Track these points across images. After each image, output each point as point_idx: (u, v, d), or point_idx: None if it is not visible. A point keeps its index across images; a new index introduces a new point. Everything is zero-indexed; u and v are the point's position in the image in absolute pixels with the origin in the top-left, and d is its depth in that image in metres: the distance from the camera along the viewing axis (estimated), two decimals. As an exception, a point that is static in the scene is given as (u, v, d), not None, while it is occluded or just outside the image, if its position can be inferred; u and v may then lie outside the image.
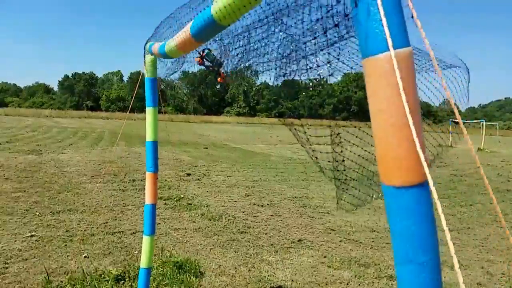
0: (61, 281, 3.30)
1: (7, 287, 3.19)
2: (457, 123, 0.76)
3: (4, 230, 4.58)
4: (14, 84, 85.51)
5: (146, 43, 2.36)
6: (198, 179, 8.78)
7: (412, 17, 0.67)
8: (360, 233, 5.33)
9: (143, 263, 2.74)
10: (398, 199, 0.70)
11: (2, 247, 4.07)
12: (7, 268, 3.57)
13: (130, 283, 3.28)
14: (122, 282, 3.31)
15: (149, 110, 2.50)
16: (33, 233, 4.54)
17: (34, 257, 3.87)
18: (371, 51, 0.69)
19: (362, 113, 74.76)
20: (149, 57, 2.37)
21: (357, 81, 76.33)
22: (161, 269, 3.56)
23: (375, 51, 0.68)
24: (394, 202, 0.70)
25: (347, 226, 5.59)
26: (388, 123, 0.68)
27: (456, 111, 0.71)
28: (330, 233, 5.22)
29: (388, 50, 0.66)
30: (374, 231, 5.48)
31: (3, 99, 72.82)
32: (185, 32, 1.43)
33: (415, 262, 0.67)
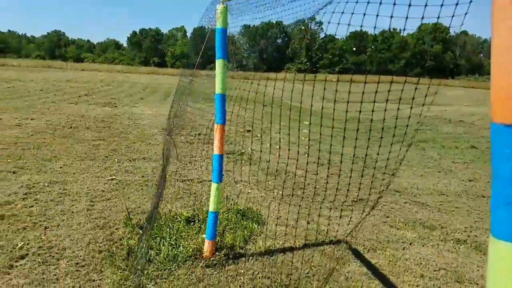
0: (140, 219, 3.68)
1: (94, 222, 3.63)
2: None
3: (88, 173, 5.13)
4: (88, 40, 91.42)
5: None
6: (258, 136, 8.93)
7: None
8: (427, 196, 5.13)
9: (212, 207, 2.93)
10: (507, 137, 0.66)
11: (88, 187, 4.59)
12: (93, 205, 4.05)
13: (199, 225, 3.55)
14: (192, 223, 3.60)
15: (218, 62, 2.54)
16: (113, 177, 5.04)
17: (116, 197, 4.32)
18: None
19: (438, 69, 68.54)
20: (220, 6, 2.36)
21: (434, 32, 69.23)
22: (226, 215, 3.79)
23: None
24: (502, 141, 0.67)
25: (414, 188, 5.40)
26: (508, 57, 0.65)
27: None
28: (394, 194, 5.09)
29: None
30: (443, 194, 5.24)
31: (79, 55, 78.53)
32: None
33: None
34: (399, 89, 2.16)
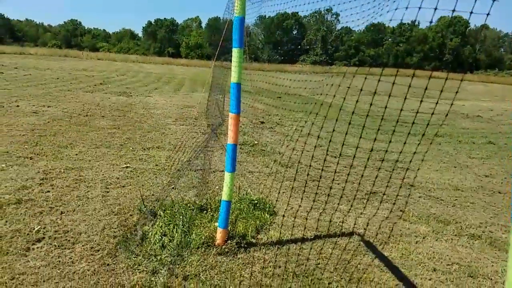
0: (154, 206, 3.72)
1: (109, 208, 3.70)
2: None
3: (103, 161, 5.21)
4: (104, 30, 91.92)
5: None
6: (272, 128, 8.91)
7: None
8: (442, 191, 5.06)
9: (225, 196, 2.95)
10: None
11: (103, 174, 4.66)
12: (108, 192, 4.11)
13: (211, 213, 3.58)
14: (204, 211, 3.63)
15: (235, 51, 2.52)
16: (128, 165, 5.11)
17: (130, 185, 4.38)
18: None
19: (456, 63, 66.92)
20: (238, -5, 2.34)
21: (453, 26, 67.52)
22: (238, 205, 3.81)
23: None
24: None
25: (428, 183, 5.32)
26: None
27: None
28: (408, 188, 5.03)
29: None
30: (458, 189, 5.16)
31: (94, 44, 79.14)
32: None
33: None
34: (418, 83, 2.12)
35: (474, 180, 5.67)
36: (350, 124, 2.39)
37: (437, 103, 1.96)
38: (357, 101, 2.19)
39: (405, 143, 2.54)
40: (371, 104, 2.10)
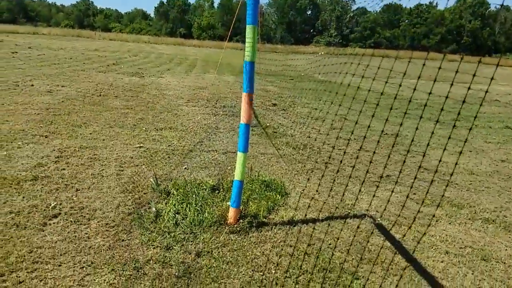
0: (167, 185, 3.77)
1: (123, 186, 3.75)
2: None
3: (117, 140, 5.26)
4: (116, 10, 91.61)
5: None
6: (284, 110, 8.84)
7: None
8: (457, 175, 4.99)
9: (237, 176, 2.95)
10: None
11: (117, 153, 4.72)
12: (122, 171, 4.17)
13: (223, 193, 3.60)
14: (216, 191, 3.66)
15: (249, 28, 2.47)
16: (141, 145, 5.15)
17: (143, 164, 4.43)
18: None
19: (475, 46, 64.96)
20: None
21: (473, 7, 65.21)
22: (250, 185, 3.82)
23: None
24: None
25: (443, 167, 5.25)
26: None
27: None
28: (423, 171, 4.97)
29: None
30: (474, 174, 5.08)
31: (107, 25, 78.96)
32: None
33: None
34: (436, 66, 2.05)
35: (490, 164, 5.57)
36: (364, 106, 2.34)
37: (469, 87, 1.90)
38: (384, 86, 2.14)
39: (431, 124, 2.49)
40: (398, 90, 2.05)
